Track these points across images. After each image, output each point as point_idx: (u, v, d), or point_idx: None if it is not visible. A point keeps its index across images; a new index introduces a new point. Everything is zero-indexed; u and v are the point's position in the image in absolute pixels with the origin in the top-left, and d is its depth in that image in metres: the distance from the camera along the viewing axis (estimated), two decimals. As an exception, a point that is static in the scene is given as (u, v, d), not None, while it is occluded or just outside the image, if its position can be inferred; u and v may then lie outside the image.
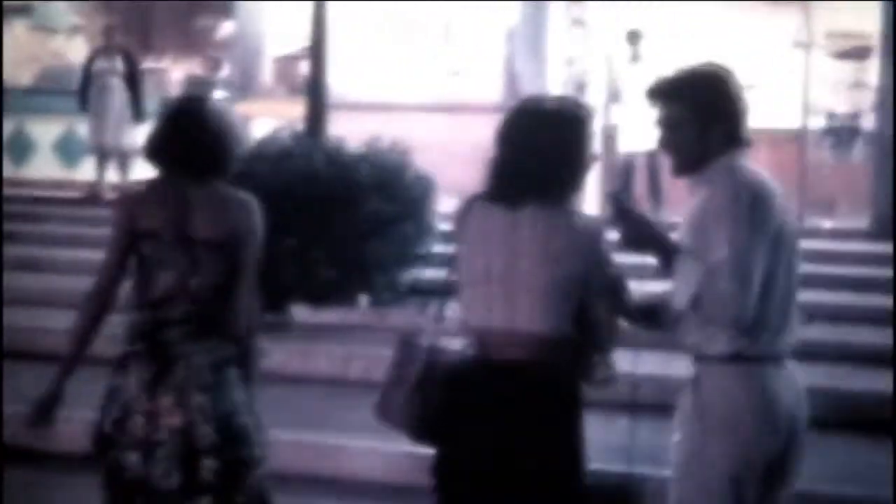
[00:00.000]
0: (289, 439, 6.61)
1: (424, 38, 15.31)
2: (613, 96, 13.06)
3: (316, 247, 8.71)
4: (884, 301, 9.17)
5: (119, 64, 13.74)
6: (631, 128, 12.38)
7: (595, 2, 14.47)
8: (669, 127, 3.65)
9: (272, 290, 8.80)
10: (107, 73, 13.68)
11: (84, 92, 13.75)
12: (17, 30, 16.15)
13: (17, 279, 10.03)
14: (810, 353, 7.51)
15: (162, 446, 3.91)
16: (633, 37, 12.94)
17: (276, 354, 8.15)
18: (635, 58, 12.79)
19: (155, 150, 4.02)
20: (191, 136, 3.97)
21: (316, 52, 9.65)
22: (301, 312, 8.98)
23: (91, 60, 13.93)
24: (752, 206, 3.46)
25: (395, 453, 6.32)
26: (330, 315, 9.02)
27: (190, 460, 3.91)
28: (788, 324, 3.60)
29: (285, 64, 15.55)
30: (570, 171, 3.64)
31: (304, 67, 14.55)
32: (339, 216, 8.70)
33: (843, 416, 7.09)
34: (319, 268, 8.73)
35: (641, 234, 3.63)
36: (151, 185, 4.06)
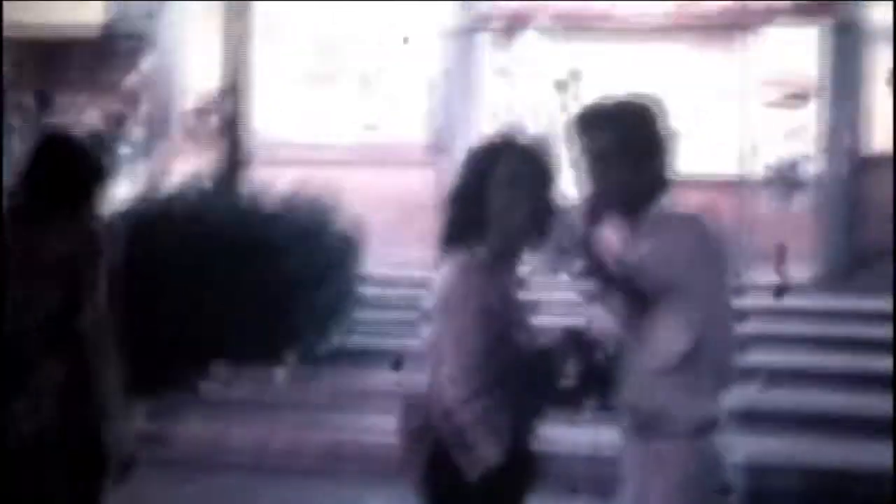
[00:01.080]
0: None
1: (343, 88, 14.66)
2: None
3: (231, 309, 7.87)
4: (850, 362, 8.49)
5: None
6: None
7: (518, 50, 13.82)
8: (602, 158, 3.35)
9: (188, 361, 8.05)
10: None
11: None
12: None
13: None
14: (775, 420, 7.03)
15: (13, 451, 4.09)
16: (562, 85, 12.30)
17: (184, 438, 7.36)
18: (565, 107, 12.11)
19: (17, 181, 4.30)
20: (45, 169, 4.25)
21: (231, 98, 8.90)
22: (211, 389, 8.13)
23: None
24: (724, 255, 3.35)
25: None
26: (243, 391, 8.16)
27: (41, 465, 4.10)
28: None
29: (196, 117, 14.69)
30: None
31: (214, 120, 13.85)
32: (252, 280, 7.89)
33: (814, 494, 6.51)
34: (234, 335, 7.89)
35: (608, 266, 3.28)
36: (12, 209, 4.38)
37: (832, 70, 11.96)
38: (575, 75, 12.40)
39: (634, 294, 3.23)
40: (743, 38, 13.09)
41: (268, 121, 14.15)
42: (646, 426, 3.28)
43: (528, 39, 13.60)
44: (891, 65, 11.48)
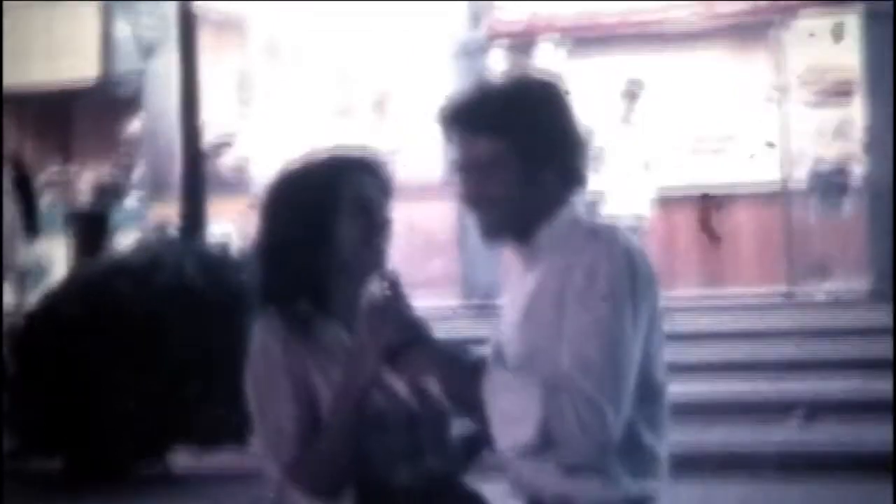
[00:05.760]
0: None
1: (357, 114, 14.03)
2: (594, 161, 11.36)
3: (195, 377, 7.01)
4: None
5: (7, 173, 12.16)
6: (617, 192, 10.44)
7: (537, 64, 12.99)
8: (479, 170, 2.57)
9: (145, 435, 7.25)
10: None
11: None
12: None
13: None
14: (813, 462, 6.05)
15: None
16: (632, 94, 11.18)
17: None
18: (627, 118, 10.99)
19: None
20: None
21: (189, 134, 8.14)
22: (182, 459, 7.28)
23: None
24: (638, 280, 2.47)
25: None
26: (220, 459, 7.31)
27: None
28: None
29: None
30: None
31: (222, 162, 13.32)
32: (219, 337, 7.03)
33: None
34: (201, 403, 7.03)
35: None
36: None
37: (867, 62, 11.02)
38: (638, 84, 11.36)
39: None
40: (776, 34, 12.12)
41: (278, 151, 13.51)
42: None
43: (545, 52, 12.76)
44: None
